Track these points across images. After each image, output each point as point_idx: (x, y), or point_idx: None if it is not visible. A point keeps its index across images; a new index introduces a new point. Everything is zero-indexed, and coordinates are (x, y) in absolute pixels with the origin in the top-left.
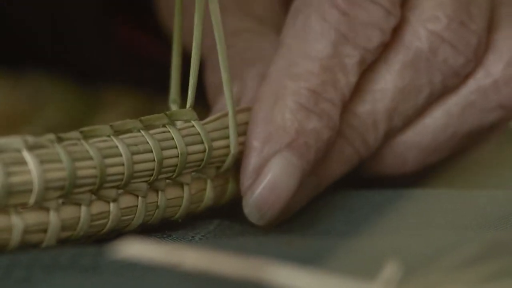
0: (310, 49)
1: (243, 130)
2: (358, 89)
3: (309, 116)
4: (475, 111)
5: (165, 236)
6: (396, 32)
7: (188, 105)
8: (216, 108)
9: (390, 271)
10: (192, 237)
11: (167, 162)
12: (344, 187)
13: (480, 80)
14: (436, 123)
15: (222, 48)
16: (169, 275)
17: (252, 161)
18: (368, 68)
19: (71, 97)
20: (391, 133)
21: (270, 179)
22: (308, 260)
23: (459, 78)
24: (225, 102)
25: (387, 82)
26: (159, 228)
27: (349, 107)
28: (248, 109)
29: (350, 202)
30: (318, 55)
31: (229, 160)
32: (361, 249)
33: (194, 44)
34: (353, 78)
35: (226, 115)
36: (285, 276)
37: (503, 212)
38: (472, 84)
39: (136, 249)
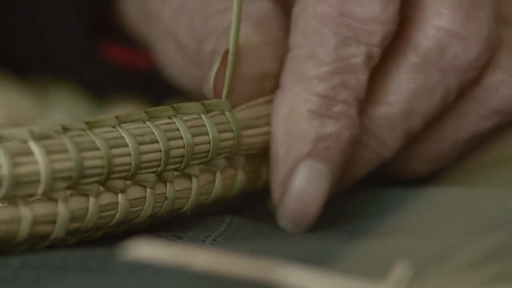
0: (315, 55)
1: (256, 124)
2: (370, 93)
3: (325, 121)
4: (471, 119)
5: (175, 238)
6: (402, 32)
7: (224, 95)
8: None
9: (399, 272)
10: (203, 240)
11: (174, 152)
12: (356, 186)
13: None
14: (436, 133)
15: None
16: (179, 276)
17: (277, 174)
18: (379, 71)
19: (77, 101)
20: (411, 133)
21: (297, 190)
22: (318, 261)
23: (476, 71)
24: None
25: (399, 84)
26: (169, 229)
27: (363, 111)
28: (268, 102)
29: (360, 202)
30: (324, 60)
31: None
32: (370, 250)
33: (232, 34)
34: (363, 76)
35: (237, 109)
36: (294, 277)
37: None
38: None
39: (146, 250)
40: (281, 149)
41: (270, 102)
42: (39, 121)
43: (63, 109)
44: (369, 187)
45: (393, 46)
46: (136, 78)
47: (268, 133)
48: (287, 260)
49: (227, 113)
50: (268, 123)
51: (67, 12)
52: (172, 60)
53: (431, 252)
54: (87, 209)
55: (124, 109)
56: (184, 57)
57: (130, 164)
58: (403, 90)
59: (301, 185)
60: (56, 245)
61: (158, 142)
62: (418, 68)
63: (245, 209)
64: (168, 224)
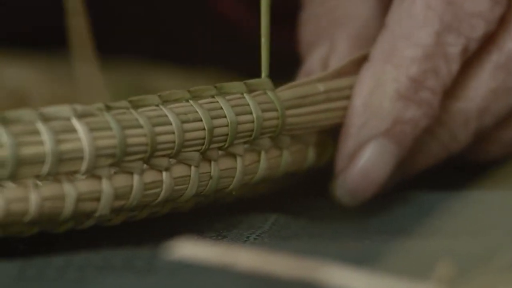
0: (414, 36)
1: (300, 103)
2: (450, 87)
3: (408, 105)
4: None
5: (219, 237)
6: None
7: (263, 75)
8: (304, 68)
9: (443, 271)
10: (247, 237)
11: (217, 131)
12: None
13: None
14: None
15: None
16: (223, 276)
17: (348, 144)
18: (461, 67)
19: (121, 83)
20: (482, 131)
21: (364, 164)
22: (362, 261)
23: None
24: (310, 64)
25: (480, 81)
26: (213, 228)
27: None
28: (311, 82)
29: (401, 203)
30: (421, 42)
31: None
32: (414, 250)
33: (262, 11)
34: (455, 67)
35: (280, 89)
36: (339, 277)
37: None
38: None
39: (190, 250)
40: (357, 121)
41: (313, 82)
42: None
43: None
44: (410, 189)
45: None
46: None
47: (312, 113)
48: (331, 260)
49: (269, 93)
50: (313, 103)
51: None
52: None
53: (475, 252)
54: (131, 186)
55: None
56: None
57: (173, 142)
58: (483, 88)
59: (369, 160)
60: (100, 232)
61: (201, 120)
62: (500, 67)
63: (290, 208)
64: (212, 223)
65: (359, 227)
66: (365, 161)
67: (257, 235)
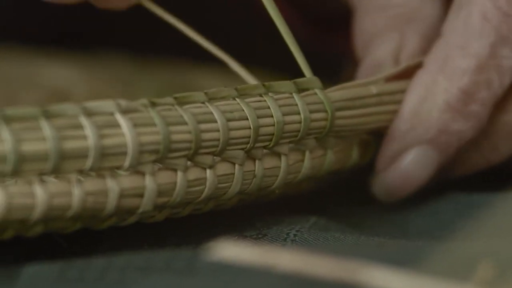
0: (468, 47)
1: (349, 105)
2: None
3: (456, 117)
4: None
5: (260, 235)
6: None
7: (308, 74)
8: (367, 62)
9: (484, 273)
10: (287, 233)
11: (263, 130)
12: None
13: None
14: None
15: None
16: (264, 277)
17: (391, 147)
18: None
19: (164, 82)
20: None
21: (404, 168)
22: (402, 262)
23: None
24: (379, 54)
25: None
26: (254, 226)
27: None
28: (363, 84)
29: (441, 205)
30: (476, 53)
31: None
32: (455, 251)
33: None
34: (507, 80)
35: (331, 89)
36: (380, 278)
37: None
38: None
39: (230, 251)
40: (403, 126)
41: (365, 84)
42: None
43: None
44: (450, 189)
45: None
46: None
47: (362, 116)
48: (372, 261)
49: (319, 93)
50: (363, 106)
51: None
52: None
53: None
54: (175, 183)
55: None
56: None
57: (218, 139)
58: None
59: (410, 165)
60: (143, 227)
61: (247, 119)
62: None
63: (330, 209)
64: (252, 222)
65: (400, 228)
66: (407, 164)
67: (295, 233)
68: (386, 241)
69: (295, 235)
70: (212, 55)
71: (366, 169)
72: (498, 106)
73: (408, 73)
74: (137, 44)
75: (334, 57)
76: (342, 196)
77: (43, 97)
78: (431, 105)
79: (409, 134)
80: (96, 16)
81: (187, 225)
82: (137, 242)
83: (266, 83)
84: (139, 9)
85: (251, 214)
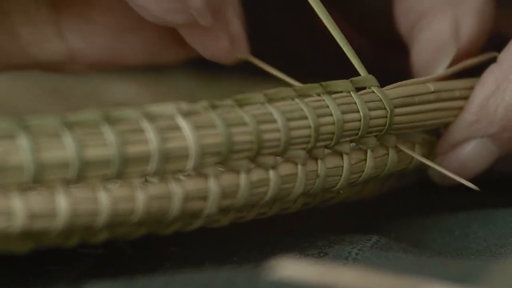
0: None
1: (407, 102)
2: None
3: None
4: None
5: (321, 254)
6: None
7: (363, 73)
8: (423, 42)
9: None
10: (349, 252)
11: (323, 129)
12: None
13: None
14: None
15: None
16: None
17: (454, 135)
18: None
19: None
20: None
21: (464, 156)
22: (464, 279)
23: None
24: (437, 35)
25: None
26: (314, 245)
27: None
28: (421, 82)
29: (503, 222)
30: None
31: (386, 129)
32: None
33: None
34: None
35: (388, 87)
36: None
37: None
38: None
39: (292, 269)
40: (469, 117)
41: (423, 82)
42: None
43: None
44: (504, 208)
45: None
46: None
47: (421, 113)
48: (434, 278)
49: (377, 91)
50: (422, 102)
51: None
52: None
53: None
54: (238, 185)
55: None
56: None
57: (279, 140)
58: None
59: (470, 154)
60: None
61: (307, 118)
62: None
63: (391, 228)
64: (313, 241)
65: (460, 246)
66: (466, 153)
67: (356, 252)
68: (447, 259)
69: (356, 253)
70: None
71: (424, 188)
72: None
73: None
74: (201, 60)
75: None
76: (403, 215)
77: None
78: (499, 101)
79: (474, 126)
80: None
81: (248, 243)
82: (199, 260)
83: (323, 83)
84: None
85: (312, 233)
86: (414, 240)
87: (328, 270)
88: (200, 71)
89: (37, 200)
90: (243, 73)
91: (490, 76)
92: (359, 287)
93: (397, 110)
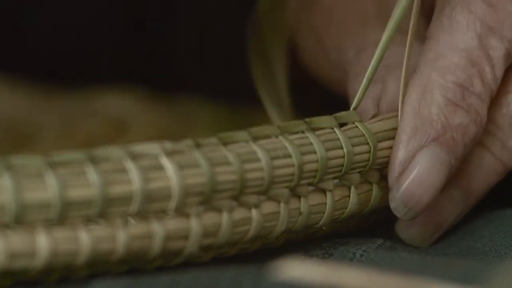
0: (456, 41)
1: (391, 135)
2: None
3: (456, 110)
4: None
5: (326, 255)
6: None
7: (352, 107)
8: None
9: None
10: (354, 253)
11: (307, 167)
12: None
13: None
14: None
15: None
16: None
17: (399, 154)
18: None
19: (221, 119)
20: None
21: (417, 173)
22: (468, 280)
23: None
24: (367, 103)
25: None
26: (320, 246)
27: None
28: (394, 116)
29: (506, 220)
30: (464, 47)
31: (370, 163)
32: None
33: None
34: (499, 72)
35: (371, 121)
36: None
37: None
38: None
39: (297, 269)
40: (407, 128)
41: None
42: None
43: (207, 129)
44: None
45: None
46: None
47: None
48: (438, 279)
49: (359, 126)
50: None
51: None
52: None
53: None
54: (220, 224)
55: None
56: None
57: (263, 179)
58: None
59: (422, 169)
60: (190, 263)
61: (291, 157)
62: None
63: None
64: (318, 242)
65: (465, 246)
66: (418, 170)
67: (361, 253)
68: (452, 260)
69: (361, 255)
70: None
71: None
72: (496, 101)
73: None
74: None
75: None
76: None
77: (100, 126)
78: (429, 102)
79: (415, 136)
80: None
81: None
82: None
83: (307, 119)
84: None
85: (317, 235)
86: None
87: (333, 270)
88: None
89: (17, 240)
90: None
91: (413, 83)
92: (364, 287)
93: (380, 144)
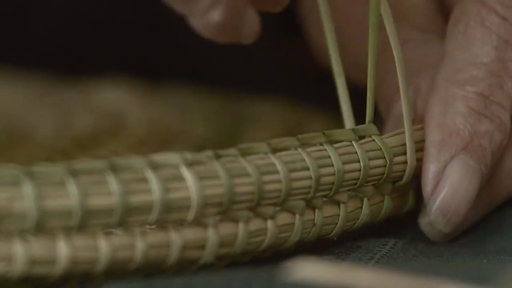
0: (473, 56)
1: (418, 147)
2: None
3: (480, 119)
4: None
5: (338, 260)
6: None
7: (367, 121)
8: (389, 121)
9: None
10: (366, 262)
11: (324, 180)
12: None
13: None
14: None
15: (400, 59)
16: None
17: (431, 167)
18: None
19: (218, 110)
20: None
21: (451, 184)
22: (481, 280)
23: None
24: (398, 111)
25: None
26: (332, 252)
27: None
28: (418, 129)
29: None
30: (482, 60)
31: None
32: None
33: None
34: None
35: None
36: None
37: None
38: None
39: (310, 271)
40: (435, 139)
41: (419, 129)
42: (183, 135)
43: (205, 120)
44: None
45: None
46: (294, 72)
47: (420, 160)
48: (451, 280)
49: (377, 140)
50: (419, 149)
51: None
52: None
53: None
54: (236, 234)
55: (267, 121)
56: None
57: (280, 190)
58: None
59: (455, 179)
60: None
61: (309, 169)
62: None
63: (407, 233)
64: (330, 248)
65: (477, 246)
66: (452, 180)
67: (376, 260)
68: (463, 260)
69: (376, 262)
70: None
71: None
72: None
73: None
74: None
75: None
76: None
77: (97, 121)
78: (453, 114)
79: (444, 148)
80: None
81: None
82: None
83: (326, 132)
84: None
85: (328, 240)
86: (430, 242)
87: (345, 271)
88: (195, 85)
89: (37, 247)
90: (240, 88)
91: (434, 99)
92: None
93: (396, 159)
